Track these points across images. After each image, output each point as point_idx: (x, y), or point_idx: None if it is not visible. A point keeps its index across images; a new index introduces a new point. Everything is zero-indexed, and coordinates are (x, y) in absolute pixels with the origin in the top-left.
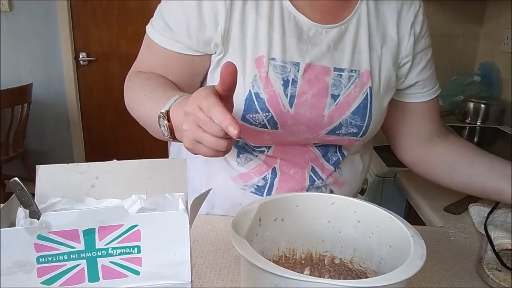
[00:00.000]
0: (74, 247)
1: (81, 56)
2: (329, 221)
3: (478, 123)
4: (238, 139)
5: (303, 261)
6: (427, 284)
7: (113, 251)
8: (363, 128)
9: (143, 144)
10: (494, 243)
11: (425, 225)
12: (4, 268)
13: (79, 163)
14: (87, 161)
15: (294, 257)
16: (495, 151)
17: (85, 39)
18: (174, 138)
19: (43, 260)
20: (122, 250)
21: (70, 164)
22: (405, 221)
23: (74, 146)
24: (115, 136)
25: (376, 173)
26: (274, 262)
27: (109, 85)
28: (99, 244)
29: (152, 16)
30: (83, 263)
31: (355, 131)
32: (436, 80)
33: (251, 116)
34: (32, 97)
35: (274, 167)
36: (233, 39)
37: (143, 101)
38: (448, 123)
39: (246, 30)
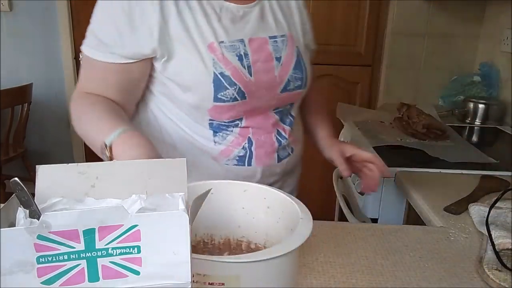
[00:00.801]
0: (74, 247)
1: (81, 56)
2: (243, 208)
3: (478, 123)
4: (212, 121)
5: (221, 246)
6: (427, 284)
7: (113, 251)
8: (304, 80)
9: None
10: (495, 242)
11: (425, 225)
12: (4, 268)
13: (79, 163)
14: (87, 161)
15: (213, 242)
16: (495, 151)
17: None
18: None
19: (43, 260)
20: (122, 250)
21: (70, 164)
22: (302, 204)
23: (74, 146)
24: None
25: None
26: (193, 247)
27: None
28: (99, 244)
29: None
30: (83, 263)
31: (299, 83)
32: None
33: (222, 94)
34: (32, 97)
35: (249, 137)
36: (178, 38)
37: (87, 129)
38: (448, 123)
39: (188, 27)
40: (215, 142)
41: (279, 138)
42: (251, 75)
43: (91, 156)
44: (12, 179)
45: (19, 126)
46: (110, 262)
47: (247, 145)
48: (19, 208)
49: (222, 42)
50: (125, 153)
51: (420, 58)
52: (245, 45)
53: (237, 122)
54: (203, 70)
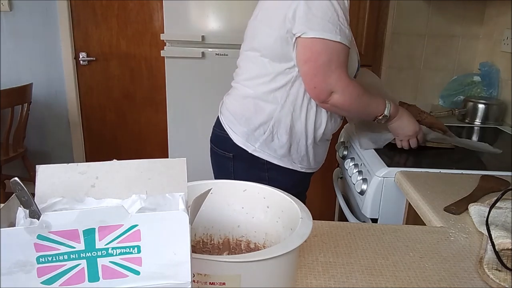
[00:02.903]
0: (74, 247)
1: (81, 56)
2: (242, 207)
3: (478, 123)
4: None
5: (221, 246)
6: (427, 284)
7: (113, 251)
8: None
9: (143, 144)
10: (495, 242)
11: (425, 225)
12: (4, 268)
13: (79, 163)
14: (87, 161)
15: (212, 242)
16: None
17: (85, 39)
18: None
19: (43, 260)
20: (122, 250)
21: (70, 164)
22: (301, 204)
23: (74, 146)
24: (115, 136)
25: (376, 173)
26: (192, 247)
27: (109, 85)
28: (99, 244)
29: (152, 16)
30: (83, 263)
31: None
32: None
33: (356, 73)
34: (32, 97)
35: None
36: (347, 28)
37: (370, 101)
38: (448, 123)
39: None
40: None
41: None
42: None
43: (91, 156)
44: (12, 179)
45: (19, 126)
46: (110, 262)
47: None
48: (19, 208)
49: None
50: (402, 109)
51: (420, 58)
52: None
53: None
54: (355, 54)
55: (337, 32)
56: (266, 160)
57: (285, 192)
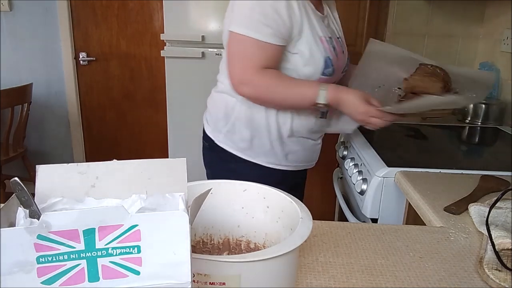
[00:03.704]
0: (74, 247)
1: (81, 56)
2: (242, 207)
3: (478, 123)
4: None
5: (221, 246)
6: (427, 284)
7: (113, 251)
8: (346, 67)
9: (143, 144)
10: (495, 242)
11: (425, 225)
12: (4, 268)
13: (79, 163)
14: (87, 161)
15: (212, 242)
16: (495, 151)
17: (85, 39)
18: (324, 105)
19: (43, 260)
20: (122, 250)
21: (70, 164)
22: (302, 204)
23: (74, 146)
24: (115, 136)
25: (376, 173)
26: (192, 247)
27: (109, 85)
28: (99, 244)
29: (152, 16)
30: (83, 263)
31: (346, 69)
32: None
33: (326, 70)
34: (32, 97)
35: None
36: (307, 29)
37: (292, 90)
38: (448, 123)
39: (307, 17)
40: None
41: None
42: (337, 61)
43: (91, 156)
44: (12, 179)
45: (19, 126)
46: (110, 262)
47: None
48: (19, 208)
49: (324, 37)
50: (345, 93)
51: None
52: (332, 41)
53: None
54: (319, 54)
55: (251, 27)
56: (232, 153)
57: (285, 192)
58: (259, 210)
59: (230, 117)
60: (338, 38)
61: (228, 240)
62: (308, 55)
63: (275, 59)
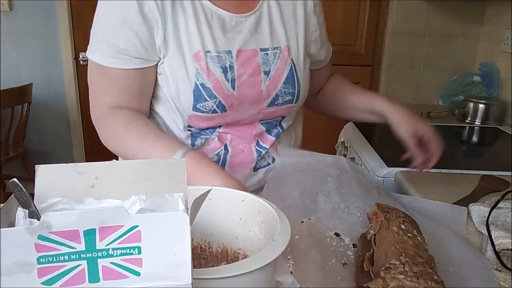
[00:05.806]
0: (74, 248)
1: (81, 56)
2: (240, 218)
3: (478, 123)
4: (190, 129)
5: (219, 255)
6: None
7: (114, 252)
8: (296, 94)
9: None
10: (495, 243)
11: None
12: (5, 268)
13: (79, 163)
14: (87, 161)
15: (210, 250)
16: (495, 151)
17: (85, 39)
18: None
19: (44, 261)
20: (122, 251)
21: (70, 164)
22: (285, 223)
23: (74, 146)
24: None
25: (376, 173)
26: None
27: None
28: (99, 245)
29: None
30: (84, 263)
31: (289, 98)
32: (329, 46)
33: (201, 105)
34: (32, 97)
35: (226, 144)
36: (171, 40)
37: (135, 152)
38: (448, 123)
39: (178, 30)
40: (195, 146)
41: (259, 148)
42: (234, 89)
43: (91, 156)
44: (11, 180)
45: (19, 126)
46: (111, 262)
47: (222, 151)
48: (19, 207)
49: (209, 51)
50: (202, 179)
51: (420, 58)
52: (232, 57)
53: (216, 128)
54: (185, 78)
55: (92, 47)
56: None
57: (275, 207)
58: (255, 224)
59: None
60: (274, 49)
61: (226, 250)
62: (170, 79)
63: (135, 90)
